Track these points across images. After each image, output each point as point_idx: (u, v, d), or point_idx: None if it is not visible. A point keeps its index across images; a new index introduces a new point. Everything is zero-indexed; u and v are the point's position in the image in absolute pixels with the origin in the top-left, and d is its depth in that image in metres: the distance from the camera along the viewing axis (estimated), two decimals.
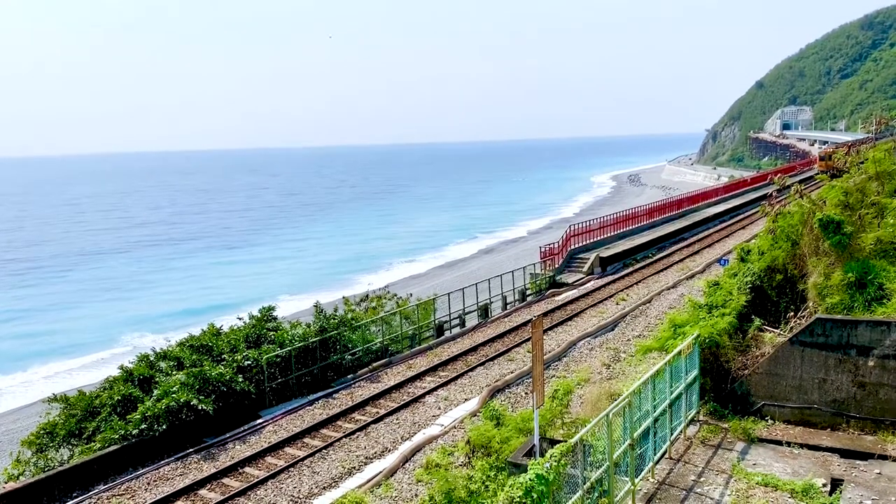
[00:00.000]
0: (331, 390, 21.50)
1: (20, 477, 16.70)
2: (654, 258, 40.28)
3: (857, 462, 12.97)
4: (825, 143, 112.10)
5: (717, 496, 11.84)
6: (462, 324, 29.75)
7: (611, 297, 31.21)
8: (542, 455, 10.76)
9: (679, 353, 13.74)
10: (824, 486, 12.05)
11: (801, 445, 13.69)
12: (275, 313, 23.74)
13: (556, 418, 15.48)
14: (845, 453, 13.31)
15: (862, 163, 21.44)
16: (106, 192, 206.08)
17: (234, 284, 63.93)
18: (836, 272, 16.11)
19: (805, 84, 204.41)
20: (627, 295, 31.25)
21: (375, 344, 24.67)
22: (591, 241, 41.78)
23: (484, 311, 30.41)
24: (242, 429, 18.82)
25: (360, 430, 18.29)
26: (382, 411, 19.44)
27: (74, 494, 15.71)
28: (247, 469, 16.57)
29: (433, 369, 22.86)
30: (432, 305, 28.72)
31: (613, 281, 34.70)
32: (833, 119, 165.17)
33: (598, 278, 35.87)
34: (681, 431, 13.95)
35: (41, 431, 17.77)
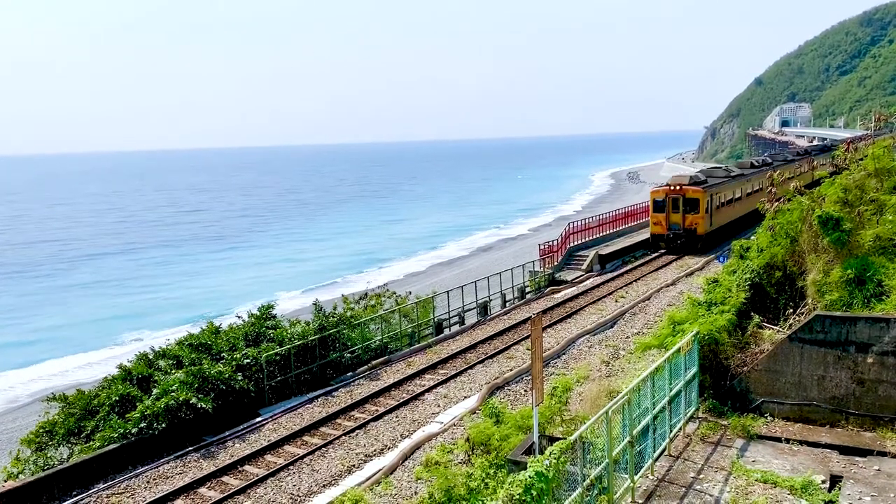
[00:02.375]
0: (330, 388, 21.50)
1: (20, 475, 16.69)
2: (653, 255, 40.27)
3: (857, 459, 12.98)
4: (824, 139, 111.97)
5: (716, 493, 11.85)
6: (461, 321, 29.74)
7: (610, 294, 31.21)
8: (541, 452, 10.76)
9: (678, 350, 13.74)
10: (823, 482, 12.06)
11: (801, 442, 13.70)
12: (274, 311, 23.73)
13: (555, 416, 15.50)
14: (844, 450, 13.31)
15: (861, 159, 21.43)
16: (105, 191, 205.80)
17: (234, 283, 63.92)
18: (835, 269, 16.11)
19: (804, 81, 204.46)
20: (626, 292, 31.24)
21: (375, 342, 24.68)
22: (591, 238, 41.75)
23: (483, 309, 30.41)
24: (242, 427, 18.82)
25: (359, 427, 18.30)
26: (382, 409, 19.44)
27: (74, 493, 15.71)
28: (246, 467, 16.57)
29: (432, 367, 22.86)
30: (431, 303, 28.72)
31: (613, 278, 34.68)
32: (832, 116, 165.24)
33: (597, 276, 35.86)
34: (680, 428, 13.95)
35: (40, 430, 17.76)
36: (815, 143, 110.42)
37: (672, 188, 37.83)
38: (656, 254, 38.66)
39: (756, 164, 51.05)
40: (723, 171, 45.48)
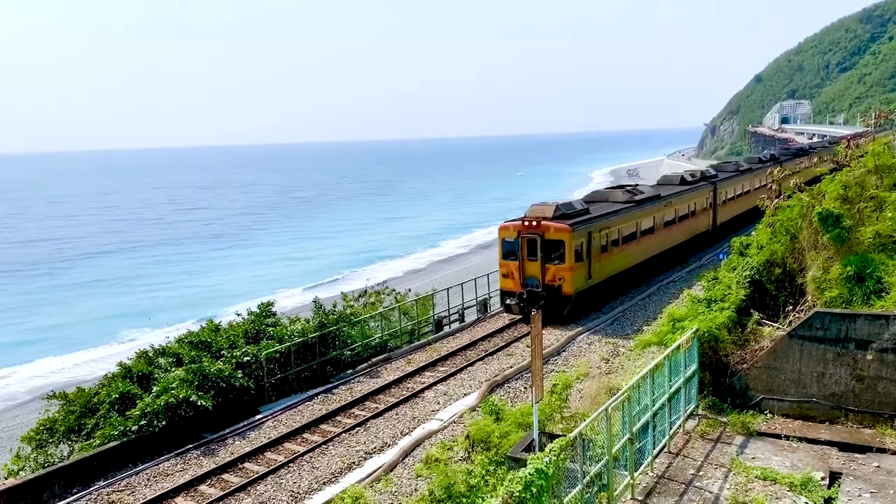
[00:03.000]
0: (330, 385, 21.50)
1: (20, 473, 16.72)
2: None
3: (856, 455, 12.99)
4: (824, 136, 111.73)
5: (715, 490, 11.87)
6: (461, 319, 29.74)
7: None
8: (541, 449, 10.78)
9: (678, 347, 13.75)
10: (823, 479, 12.08)
11: (800, 439, 13.73)
12: (273, 309, 23.74)
13: (555, 413, 15.52)
14: (844, 446, 13.33)
15: (862, 156, 21.44)
16: (104, 189, 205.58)
17: (234, 281, 63.93)
18: (835, 266, 16.12)
19: (804, 78, 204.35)
20: (627, 288, 31.18)
21: (374, 339, 24.69)
22: None
23: (483, 306, 30.39)
24: (242, 424, 18.82)
25: (359, 425, 18.31)
26: (382, 406, 19.44)
27: (75, 490, 15.73)
28: (246, 464, 16.58)
29: (432, 364, 22.85)
30: (431, 301, 28.73)
31: None
32: (832, 113, 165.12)
33: None
34: (680, 425, 13.97)
35: (41, 427, 17.79)
36: (812, 141, 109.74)
37: (527, 223, 25.59)
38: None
39: (690, 178, 38.05)
40: (624, 193, 31.49)
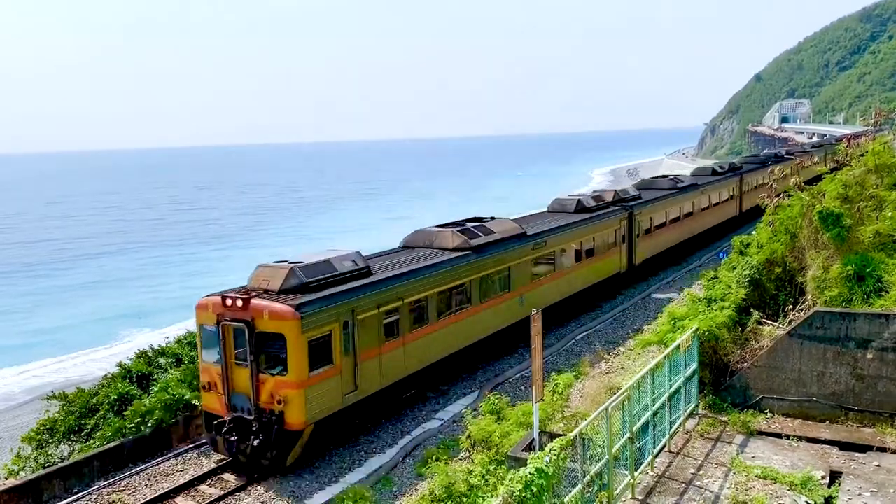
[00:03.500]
0: None
1: (20, 473, 16.70)
2: None
3: (856, 454, 13.00)
4: (824, 135, 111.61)
5: (716, 489, 11.87)
6: None
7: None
8: (541, 449, 10.78)
9: (678, 346, 13.75)
10: (823, 478, 12.08)
11: (800, 438, 13.73)
12: None
13: (555, 412, 15.51)
14: (844, 446, 13.34)
15: (862, 154, 21.45)
16: (105, 189, 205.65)
17: (235, 281, 63.74)
18: (835, 265, 16.12)
19: (803, 77, 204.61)
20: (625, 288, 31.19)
21: None
22: None
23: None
24: None
25: (360, 424, 18.27)
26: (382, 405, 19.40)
27: (75, 490, 15.73)
28: None
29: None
30: None
31: None
32: (831, 112, 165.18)
33: None
34: (680, 425, 13.97)
35: (41, 428, 17.77)
36: (814, 138, 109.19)
37: (229, 302, 15.69)
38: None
39: (593, 203, 28.39)
40: (455, 235, 21.18)
